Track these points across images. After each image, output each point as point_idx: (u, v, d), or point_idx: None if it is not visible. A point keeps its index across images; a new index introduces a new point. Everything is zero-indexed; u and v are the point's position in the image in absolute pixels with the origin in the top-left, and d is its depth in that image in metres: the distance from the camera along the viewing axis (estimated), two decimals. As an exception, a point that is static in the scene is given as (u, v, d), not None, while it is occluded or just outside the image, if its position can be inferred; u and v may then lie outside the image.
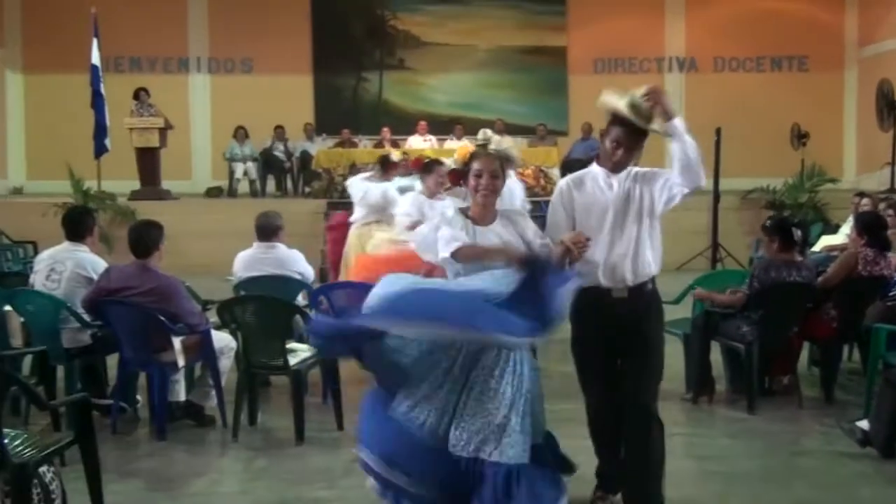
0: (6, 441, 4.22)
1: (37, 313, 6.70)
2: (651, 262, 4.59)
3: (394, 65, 20.60)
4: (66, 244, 6.90)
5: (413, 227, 6.86)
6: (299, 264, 7.60)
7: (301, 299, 7.43)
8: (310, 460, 5.96)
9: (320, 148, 17.96)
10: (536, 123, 19.10)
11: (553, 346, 5.93)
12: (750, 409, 6.88)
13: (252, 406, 6.62)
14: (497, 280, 4.14)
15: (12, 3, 19.80)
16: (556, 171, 15.80)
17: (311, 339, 4.37)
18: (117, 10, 17.84)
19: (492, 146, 4.54)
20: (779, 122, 17.81)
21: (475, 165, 4.44)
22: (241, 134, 18.18)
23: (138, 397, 7.00)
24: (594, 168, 4.66)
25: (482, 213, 4.47)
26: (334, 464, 5.83)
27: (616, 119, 4.49)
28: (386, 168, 9.55)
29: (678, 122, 4.37)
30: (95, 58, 15.39)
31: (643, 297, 4.61)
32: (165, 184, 16.57)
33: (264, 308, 6.49)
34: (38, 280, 6.81)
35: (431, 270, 4.96)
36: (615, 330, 4.56)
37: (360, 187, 9.41)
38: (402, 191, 8.97)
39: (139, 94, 16.16)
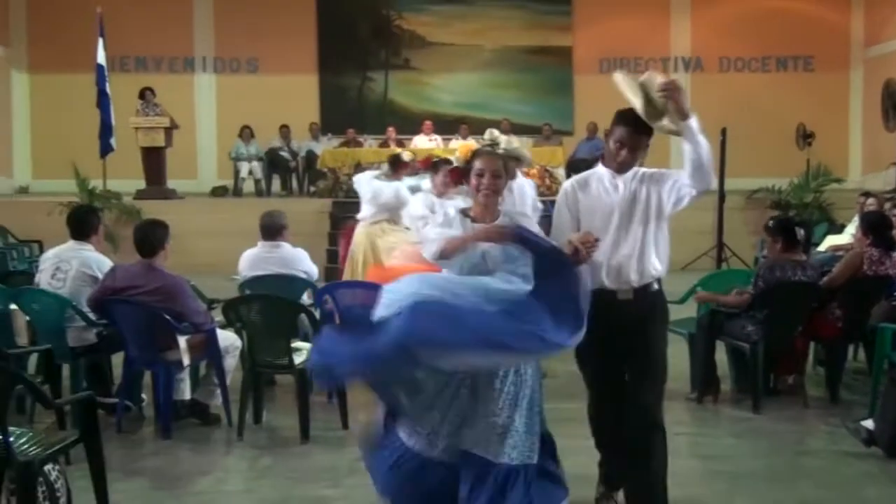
0: (11, 439, 4.23)
1: (42, 312, 6.71)
2: (657, 263, 4.52)
3: (399, 65, 20.59)
4: (71, 243, 6.91)
5: None
6: (304, 263, 7.60)
7: (306, 298, 7.44)
8: (315, 459, 5.96)
9: (325, 147, 17.98)
10: (542, 123, 19.12)
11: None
12: (755, 408, 6.88)
13: (257, 405, 6.64)
14: (509, 279, 4.10)
15: (18, 2, 19.82)
16: (561, 171, 15.84)
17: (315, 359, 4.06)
18: (123, 9, 17.89)
19: (501, 147, 4.48)
20: (784, 122, 17.82)
21: (477, 164, 4.35)
22: (246, 133, 18.20)
23: (143, 396, 7.00)
24: (600, 169, 4.59)
25: (483, 213, 4.37)
26: (339, 462, 5.83)
27: (619, 118, 4.44)
28: (396, 167, 9.54)
29: (694, 123, 4.23)
30: (101, 57, 15.44)
31: (648, 299, 4.55)
32: (171, 183, 16.58)
33: (269, 307, 6.50)
34: (43, 279, 6.82)
35: None
36: (620, 331, 4.50)
37: (371, 186, 9.39)
38: (411, 190, 8.97)
39: (145, 94, 16.19)
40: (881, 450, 5.82)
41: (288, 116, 18.46)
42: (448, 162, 8.19)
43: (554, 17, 20.33)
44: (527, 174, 9.40)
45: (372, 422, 4.22)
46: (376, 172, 9.99)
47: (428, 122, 18.37)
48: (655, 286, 4.59)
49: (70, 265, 6.75)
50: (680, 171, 4.41)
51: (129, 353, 6.56)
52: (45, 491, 4.24)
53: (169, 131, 15.99)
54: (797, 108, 18.41)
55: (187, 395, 6.69)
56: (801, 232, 7.22)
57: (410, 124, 18.88)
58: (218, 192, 18.31)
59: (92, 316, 6.61)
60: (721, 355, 7.33)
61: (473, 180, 4.35)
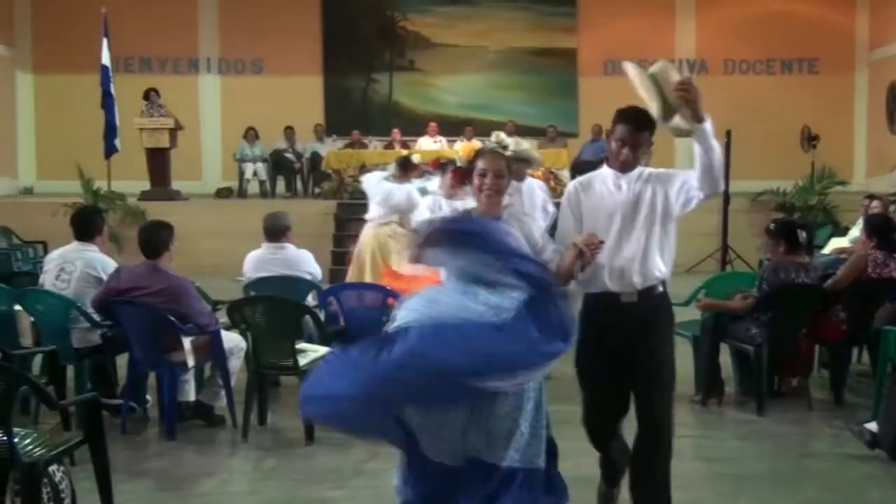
0: (16, 440, 4.24)
1: (47, 313, 6.73)
2: (661, 265, 4.43)
3: (404, 66, 20.59)
4: (75, 244, 6.92)
5: None
6: (308, 264, 7.61)
7: (310, 299, 7.44)
8: (319, 460, 5.97)
9: (330, 149, 18.02)
10: (546, 125, 19.11)
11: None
12: (759, 411, 6.88)
13: (262, 406, 6.64)
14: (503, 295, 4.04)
15: (22, 2, 19.83)
16: (566, 173, 15.82)
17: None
18: (127, 10, 17.87)
19: (510, 149, 4.45)
20: (789, 125, 17.78)
21: (480, 164, 4.30)
22: (251, 135, 18.20)
23: (148, 397, 7.01)
24: (604, 170, 4.52)
25: (486, 214, 4.31)
26: (344, 464, 5.84)
27: (619, 116, 4.38)
28: (405, 169, 9.53)
29: (708, 126, 4.12)
30: (105, 58, 15.41)
31: (652, 301, 4.47)
32: (175, 184, 16.62)
33: (274, 308, 6.50)
34: (47, 280, 6.83)
35: None
36: (621, 334, 4.42)
37: (381, 187, 9.37)
38: (419, 192, 8.97)
39: (149, 95, 16.21)
40: (885, 452, 5.82)
41: (292, 118, 18.47)
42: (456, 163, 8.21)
43: (558, 19, 20.32)
44: (531, 176, 9.39)
45: None
46: (385, 174, 9.97)
47: (433, 124, 18.40)
48: (660, 288, 4.50)
49: (74, 266, 6.76)
50: (689, 172, 4.32)
51: (134, 354, 6.57)
52: (50, 492, 4.26)
53: (173, 132, 16.02)
54: (802, 110, 18.38)
55: (192, 397, 6.71)
56: (802, 234, 7.21)
57: (415, 126, 18.90)
58: (222, 193, 18.29)
59: (96, 317, 6.62)
60: (725, 358, 7.33)
61: (476, 180, 4.30)
